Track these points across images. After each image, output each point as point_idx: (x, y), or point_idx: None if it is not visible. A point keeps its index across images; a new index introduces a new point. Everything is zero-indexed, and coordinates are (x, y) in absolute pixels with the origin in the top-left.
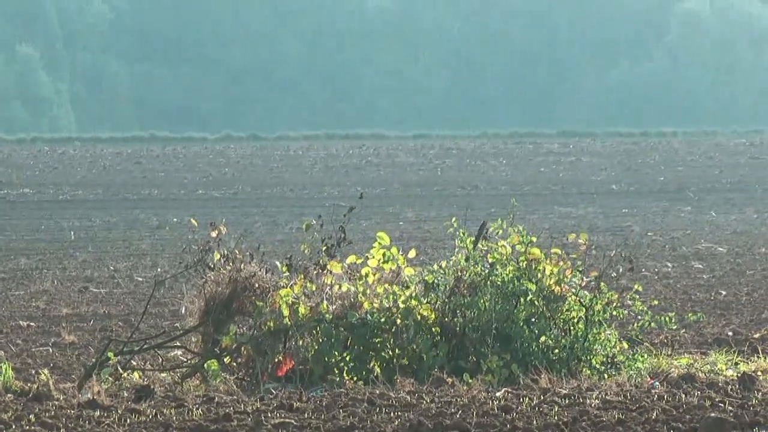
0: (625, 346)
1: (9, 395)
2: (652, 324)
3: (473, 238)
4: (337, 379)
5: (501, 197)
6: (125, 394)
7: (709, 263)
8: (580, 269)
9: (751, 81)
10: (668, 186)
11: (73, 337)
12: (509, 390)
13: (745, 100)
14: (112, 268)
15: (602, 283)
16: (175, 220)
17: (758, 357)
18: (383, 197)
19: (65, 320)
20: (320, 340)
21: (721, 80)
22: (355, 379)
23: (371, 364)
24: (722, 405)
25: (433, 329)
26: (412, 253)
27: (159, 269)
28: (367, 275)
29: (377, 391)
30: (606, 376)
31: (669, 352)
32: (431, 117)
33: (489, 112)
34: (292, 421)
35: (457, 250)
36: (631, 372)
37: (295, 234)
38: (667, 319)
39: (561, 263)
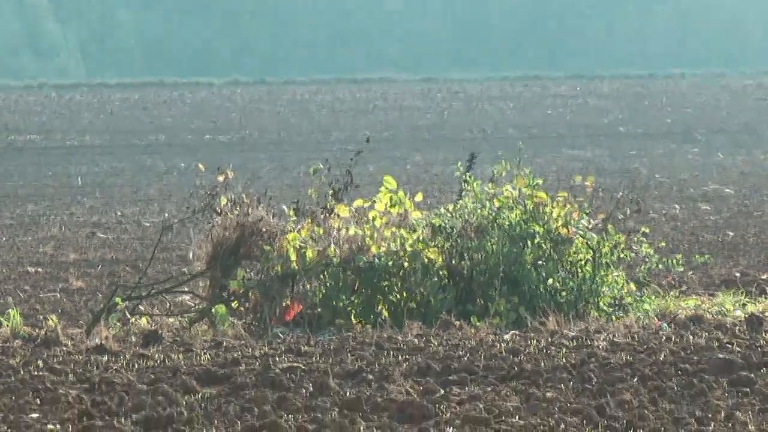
0: (633, 288)
1: (17, 341)
2: (660, 266)
3: (480, 182)
4: (345, 322)
5: (508, 140)
6: (133, 340)
7: (717, 205)
8: (587, 212)
9: (760, 23)
10: (676, 128)
11: (80, 283)
12: (517, 333)
13: (754, 42)
14: (119, 213)
15: (609, 226)
16: (182, 165)
17: (766, 298)
18: (390, 141)
19: (73, 266)
20: (328, 284)
21: (729, 22)
22: (362, 322)
23: (379, 308)
24: (730, 346)
25: (441, 272)
26: (419, 197)
27: (166, 214)
28: (374, 219)
29: (385, 335)
30: (613, 318)
31: (676, 294)
32: (438, 61)
33: (496, 56)
34: (300, 365)
35: (464, 193)
36: (639, 314)
37: (303, 178)
38: (674, 261)
39: (568, 206)
